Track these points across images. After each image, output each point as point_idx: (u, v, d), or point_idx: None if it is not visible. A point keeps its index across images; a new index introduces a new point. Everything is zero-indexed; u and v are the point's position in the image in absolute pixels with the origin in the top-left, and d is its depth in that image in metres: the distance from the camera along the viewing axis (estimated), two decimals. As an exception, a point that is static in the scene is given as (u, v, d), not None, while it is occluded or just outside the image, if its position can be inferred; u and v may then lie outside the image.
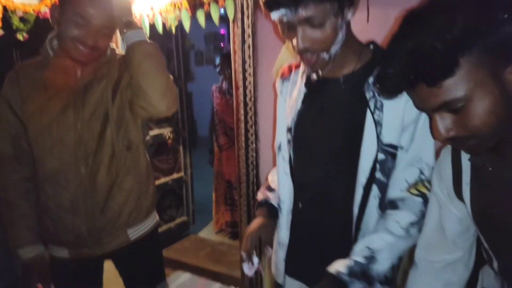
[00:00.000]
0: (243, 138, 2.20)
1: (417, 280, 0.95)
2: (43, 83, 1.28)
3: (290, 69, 1.11)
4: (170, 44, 3.21)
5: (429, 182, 0.90)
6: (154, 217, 1.52)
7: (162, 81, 1.20)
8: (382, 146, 0.89)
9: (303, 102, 1.01)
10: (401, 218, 0.91)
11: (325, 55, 0.89)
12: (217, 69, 3.32)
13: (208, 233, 3.67)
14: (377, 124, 0.88)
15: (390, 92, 0.74)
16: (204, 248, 3.34)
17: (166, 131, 3.24)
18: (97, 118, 1.28)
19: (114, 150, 1.30)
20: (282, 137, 1.09)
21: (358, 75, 0.92)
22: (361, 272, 0.87)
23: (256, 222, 1.10)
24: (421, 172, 0.90)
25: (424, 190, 0.91)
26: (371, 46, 0.98)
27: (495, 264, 0.81)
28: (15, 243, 1.34)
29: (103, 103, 1.28)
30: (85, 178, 1.28)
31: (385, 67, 0.71)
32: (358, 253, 0.90)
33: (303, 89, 1.02)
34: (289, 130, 1.05)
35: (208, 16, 2.16)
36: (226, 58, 3.14)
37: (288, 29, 0.88)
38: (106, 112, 1.28)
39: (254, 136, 2.13)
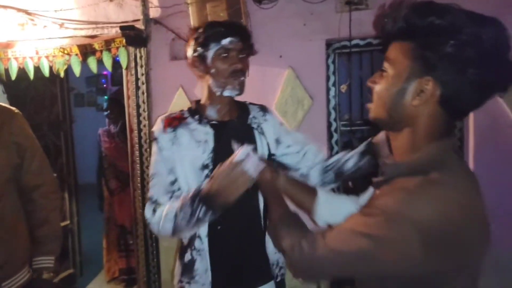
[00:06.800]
0: (139, 179, 2.26)
1: None
2: None
3: (178, 119, 1.31)
4: (54, 88, 3.11)
5: None
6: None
7: None
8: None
9: (215, 140, 1.27)
10: None
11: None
12: (106, 113, 3.30)
13: (99, 284, 3.45)
14: (264, 138, 1.32)
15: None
16: (95, 301, 3.14)
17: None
18: None
19: None
20: (192, 179, 1.24)
21: (242, 116, 1.34)
22: None
23: None
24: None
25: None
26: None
27: None
28: None
29: None
30: None
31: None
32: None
33: (210, 131, 1.27)
34: (205, 166, 1.24)
35: (100, 61, 2.24)
36: (115, 102, 3.18)
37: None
38: None
39: (150, 176, 2.21)
